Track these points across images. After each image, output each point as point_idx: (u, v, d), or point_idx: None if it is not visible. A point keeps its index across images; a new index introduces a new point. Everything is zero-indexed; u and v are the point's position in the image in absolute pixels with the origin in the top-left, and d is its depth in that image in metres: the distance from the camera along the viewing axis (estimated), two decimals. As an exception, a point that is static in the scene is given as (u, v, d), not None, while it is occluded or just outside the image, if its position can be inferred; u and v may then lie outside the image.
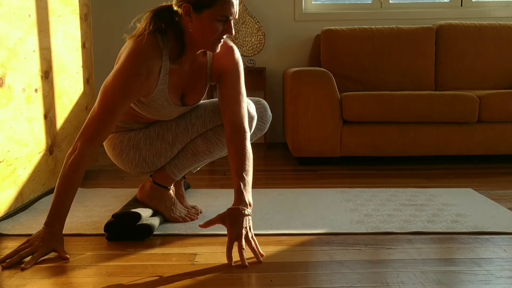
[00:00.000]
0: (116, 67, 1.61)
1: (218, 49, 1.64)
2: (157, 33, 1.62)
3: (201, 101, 1.85)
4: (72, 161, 1.53)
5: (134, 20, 1.66)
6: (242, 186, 1.57)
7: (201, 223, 1.58)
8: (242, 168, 1.61)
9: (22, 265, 1.45)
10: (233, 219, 1.51)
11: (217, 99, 1.79)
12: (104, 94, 1.58)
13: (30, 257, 1.47)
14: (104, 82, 1.61)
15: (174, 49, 1.64)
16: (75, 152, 1.54)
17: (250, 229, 1.52)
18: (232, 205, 1.55)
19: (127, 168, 1.84)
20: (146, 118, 1.77)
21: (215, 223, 1.54)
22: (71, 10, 2.51)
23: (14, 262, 1.46)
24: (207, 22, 1.55)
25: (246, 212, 1.53)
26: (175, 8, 1.59)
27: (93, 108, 1.60)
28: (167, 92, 1.67)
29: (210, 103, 1.81)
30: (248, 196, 1.58)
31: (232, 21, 1.59)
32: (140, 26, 1.64)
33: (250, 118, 1.78)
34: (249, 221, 1.53)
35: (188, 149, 1.81)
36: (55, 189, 1.55)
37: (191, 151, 1.81)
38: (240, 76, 1.75)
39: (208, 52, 1.73)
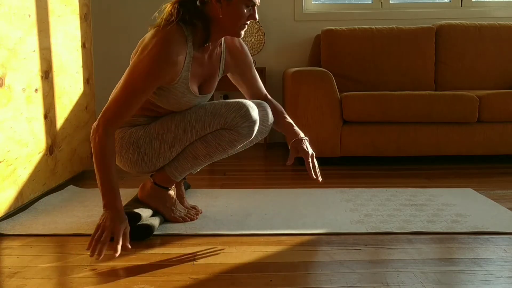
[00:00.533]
0: (143, 53, 1.63)
1: (243, 35, 1.75)
2: (181, 23, 1.67)
3: (206, 102, 1.85)
4: (99, 142, 1.59)
5: (155, 13, 1.71)
6: (292, 123, 1.94)
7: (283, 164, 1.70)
8: (284, 114, 1.99)
9: (116, 254, 1.47)
10: (300, 146, 1.86)
11: (218, 101, 1.81)
12: (130, 77, 1.62)
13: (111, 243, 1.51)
14: (130, 67, 1.64)
15: (198, 38, 1.71)
16: (99, 133, 1.59)
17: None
18: (291, 139, 1.88)
19: (126, 166, 1.83)
20: (156, 110, 1.78)
21: (293, 157, 1.85)
22: (71, 10, 2.51)
23: (103, 251, 1.47)
24: (236, 7, 1.66)
25: (304, 137, 1.88)
26: None
27: (117, 89, 1.63)
28: (189, 79, 1.72)
29: (211, 105, 1.79)
30: (296, 128, 1.93)
31: (256, 7, 1.70)
32: (162, 16, 1.69)
33: (253, 122, 1.77)
34: (308, 142, 1.89)
35: (188, 153, 1.80)
36: (96, 173, 1.60)
37: (191, 154, 1.80)
38: (252, 63, 1.99)
39: (223, 45, 1.85)
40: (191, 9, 1.67)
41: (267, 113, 1.90)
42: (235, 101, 1.78)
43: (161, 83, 1.67)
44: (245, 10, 1.67)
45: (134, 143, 1.78)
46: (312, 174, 1.81)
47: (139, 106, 1.65)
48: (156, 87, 1.66)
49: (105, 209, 1.57)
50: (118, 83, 1.68)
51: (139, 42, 1.73)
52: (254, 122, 1.77)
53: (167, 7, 1.69)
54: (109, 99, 1.65)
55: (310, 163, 1.82)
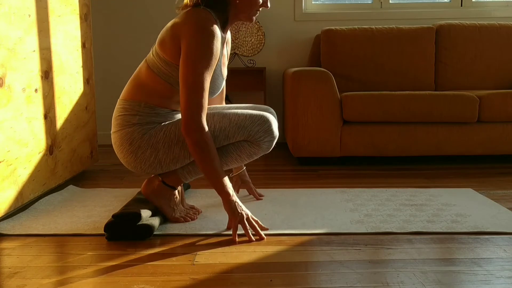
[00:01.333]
0: (188, 38, 1.65)
1: (254, 20, 1.83)
2: (206, 7, 1.73)
3: (224, 110, 1.82)
4: (202, 138, 1.65)
5: None
6: None
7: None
8: None
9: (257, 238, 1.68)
10: (244, 178, 2.16)
11: (240, 110, 1.82)
12: (194, 63, 1.64)
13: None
14: (186, 56, 1.65)
15: (220, 21, 1.77)
16: (198, 130, 1.63)
17: None
18: (237, 170, 2.12)
19: (138, 166, 1.80)
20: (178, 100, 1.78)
21: (239, 188, 2.17)
22: (71, 10, 2.51)
23: (251, 237, 1.67)
24: None
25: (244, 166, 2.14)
26: None
27: (186, 84, 1.64)
28: (221, 61, 1.79)
29: (235, 116, 1.78)
30: None
31: None
32: (185, 2, 1.76)
33: (274, 137, 1.82)
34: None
35: None
36: (205, 170, 1.68)
37: None
38: None
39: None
40: None
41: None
42: (259, 114, 1.79)
43: (217, 61, 1.71)
44: None
45: (153, 145, 1.76)
46: (258, 197, 2.16)
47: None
48: (215, 65, 1.70)
49: (226, 200, 1.70)
50: (181, 78, 1.66)
51: (169, 26, 1.73)
52: (275, 137, 1.82)
53: None
54: (182, 95, 1.64)
55: (253, 190, 2.17)
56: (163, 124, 1.79)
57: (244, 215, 1.69)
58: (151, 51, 1.81)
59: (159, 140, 1.76)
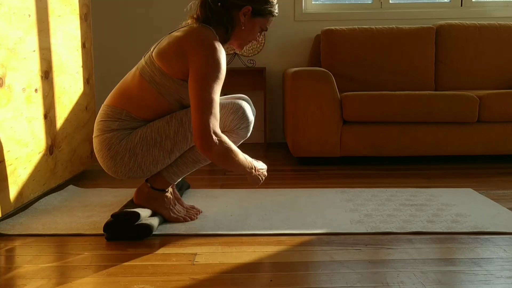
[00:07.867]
0: (203, 58, 1.66)
1: (243, 49, 1.91)
2: (205, 24, 1.74)
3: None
4: (221, 146, 1.64)
5: (187, 7, 1.81)
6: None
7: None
8: None
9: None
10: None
11: None
12: (208, 80, 1.65)
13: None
14: (198, 75, 1.65)
15: (220, 41, 1.77)
16: (213, 141, 1.62)
17: None
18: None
19: (118, 170, 1.78)
20: (168, 110, 1.78)
21: None
22: (71, 10, 2.51)
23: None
24: (254, 27, 1.80)
25: None
26: (237, 2, 1.75)
27: (200, 99, 1.63)
28: None
29: None
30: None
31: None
32: (191, 15, 1.78)
33: (250, 122, 1.84)
34: None
35: (188, 157, 1.80)
36: (233, 167, 1.73)
37: (191, 159, 1.80)
38: None
39: None
40: (218, 13, 1.73)
41: (251, 106, 1.92)
42: (230, 103, 1.80)
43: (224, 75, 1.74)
44: (257, 32, 1.82)
45: (131, 150, 1.75)
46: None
47: None
48: (223, 79, 1.72)
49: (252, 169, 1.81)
50: (193, 91, 1.65)
51: (173, 41, 1.71)
52: (250, 122, 1.83)
53: (197, 7, 1.76)
54: (195, 110, 1.63)
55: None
56: (137, 129, 1.77)
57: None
58: (143, 59, 1.78)
59: (136, 145, 1.74)
